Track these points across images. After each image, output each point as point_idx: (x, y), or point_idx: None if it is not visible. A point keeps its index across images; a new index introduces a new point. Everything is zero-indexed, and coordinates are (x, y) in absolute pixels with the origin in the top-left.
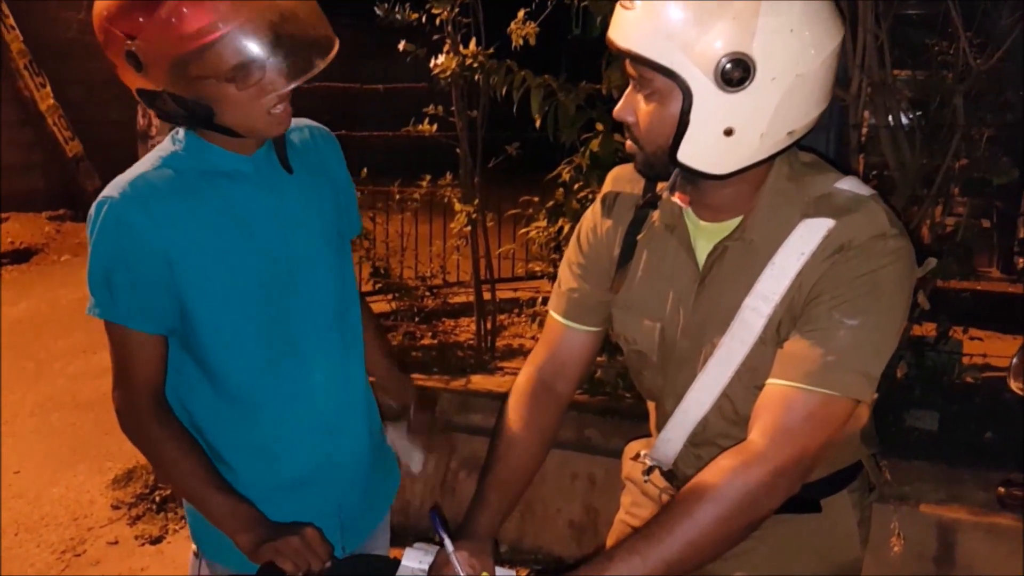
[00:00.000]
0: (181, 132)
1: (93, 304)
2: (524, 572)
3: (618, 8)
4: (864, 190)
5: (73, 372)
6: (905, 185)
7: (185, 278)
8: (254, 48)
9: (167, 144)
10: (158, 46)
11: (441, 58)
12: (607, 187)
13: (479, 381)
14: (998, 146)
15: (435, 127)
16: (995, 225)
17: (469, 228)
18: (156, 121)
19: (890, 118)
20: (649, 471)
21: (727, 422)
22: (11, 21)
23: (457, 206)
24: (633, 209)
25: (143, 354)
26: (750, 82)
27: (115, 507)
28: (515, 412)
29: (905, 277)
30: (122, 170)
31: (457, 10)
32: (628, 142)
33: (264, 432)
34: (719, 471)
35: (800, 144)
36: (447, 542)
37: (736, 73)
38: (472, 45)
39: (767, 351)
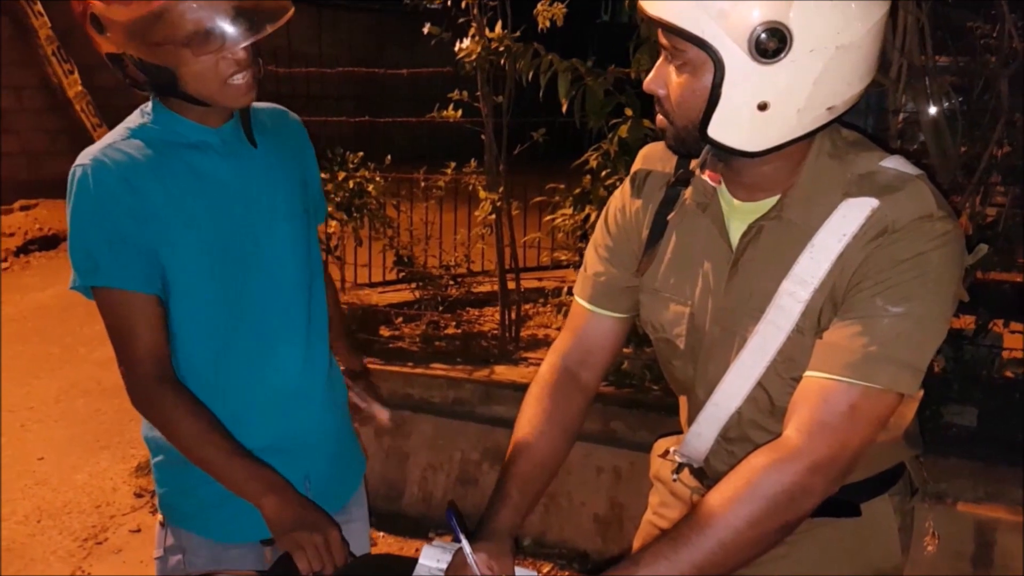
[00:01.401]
0: (150, 105)
1: (75, 277)
2: (547, 567)
3: None
4: (911, 169)
5: (99, 358)
6: (945, 173)
7: (155, 237)
8: (208, 13)
9: (135, 116)
10: (115, 9)
11: (466, 42)
12: (637, 165)
13: (503, 372)
14: None
15: (460, 112)
16: None
17: (493, 216)
18: None
19: (931, 104)
20: (679, 470)
21: (763, 415)
22: (39, 7)
23: (482, 194)
24: (664, 188)
25: (136, 317)
26: (786, 53)
27: (138, 495)
28: (538, 403)
29: (954, 262)
30: None
31: None
32: (659, 117)
33: (226, 401)
34: (752, 469)
35: (844, 122)
36: (464, 542)
37: (771, 44)
38: (498, 28)
39: (805, 340)
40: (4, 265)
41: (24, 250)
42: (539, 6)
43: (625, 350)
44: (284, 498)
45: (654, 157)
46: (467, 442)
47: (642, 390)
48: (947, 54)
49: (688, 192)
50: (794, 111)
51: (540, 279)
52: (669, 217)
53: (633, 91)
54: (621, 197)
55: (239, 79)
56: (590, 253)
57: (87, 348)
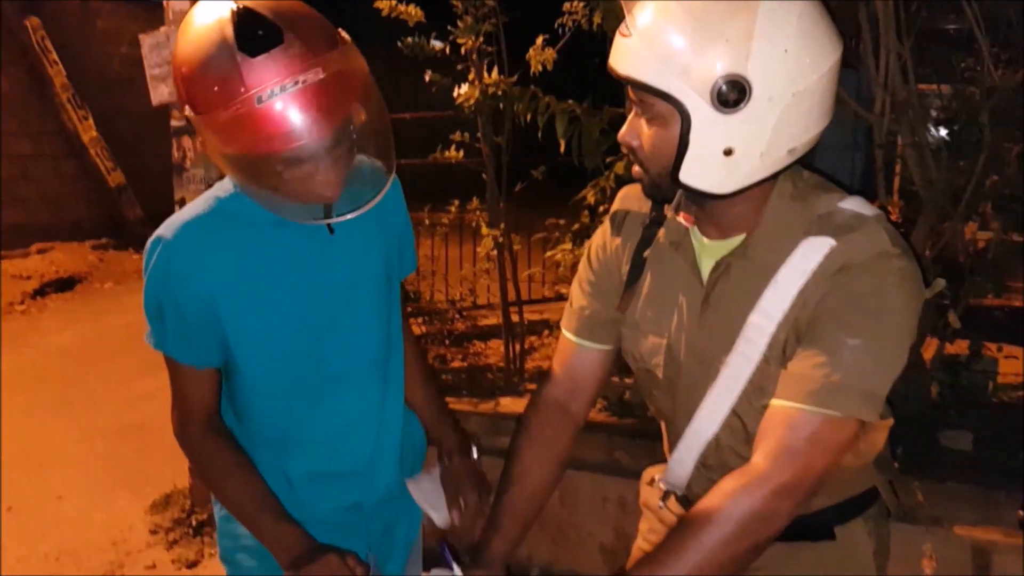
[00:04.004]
0: None
1: (149, 333)
2: None
3: (617, 36)
4: (868, 210)
5: (116, 398)
6: (933, 203)
7: (228, 320)
8: (296, 168)
9: (226, 183)
10: (215, 135)
11: (464, 87)
12: (616, 206)
13: (508, 404)
14: None
15: (461, 153)
16: None
17: (496, 251)
18: (191, 154)
19: (915, 136)
20: (665, 497)
21: (738, 442)
22: (54, 56)
23: (484, 230)
24: (641, 228)
25: (193, 384)
26: (746, 103)
27: (153, 532)
28: (529, 435)
29: (910, 297)
30: (164, 199)
31: (481, 39)
32: (635, 168)
33: (292, 475)
34: (722, 493)
35: (809, 166)
36: (457, 570)
37: (732, 95)
38: (495, 73)
39: (771, 370)
40: (21, 308)
41: (41, 292)
42: (531, 51)
43: (627, 380)
44: (299, 554)
45: (632, 198)
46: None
47: (644, 420)
48: (931, 84)
49: (662, 232)
50: (757, 155)
51: (543, 312)
52: (646, 255)
53: None
54: (602, 235)
55: (325, 183)
56: (575, 288)
57: (105, 389)
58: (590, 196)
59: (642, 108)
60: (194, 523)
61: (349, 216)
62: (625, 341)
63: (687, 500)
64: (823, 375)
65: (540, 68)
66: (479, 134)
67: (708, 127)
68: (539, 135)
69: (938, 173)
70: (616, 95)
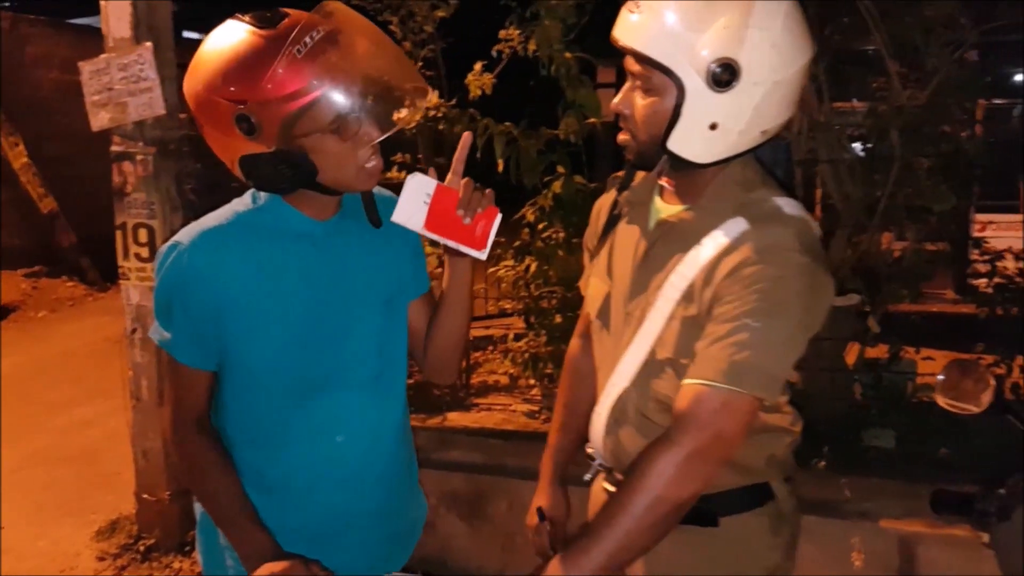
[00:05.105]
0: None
1: (155, 329)
2: None
3: (623, 11)
4: (795, 211)
5: (56, 426)
6: (850, 215)
7: (229, 325)
8: (354, 100)
9: (246, 199)
10: (268, 107)
11: (403, 112)
12: (619, 173)
13: (455, 418)
14: (938, 175)
15: (404, 174)
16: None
17: (440, 270)
18: (132, 179)
19: (830, 153)
20: (592, 472)
21: (644, 400)
22: None
23: (427, 248)
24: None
25: (188, 384)
26: (735, 84)
27: (100, 559)
28: (569, 367)
29: (807, 292)
30: (98, 225)
31: (420, 64)
32: (622, 134)
33: (271, 479)
34: (643, 462)
35: (764, 165)
36: None
37: (724, 75)
38: (435, 97)
39: (675, 327)
40: None
41: None
42: (470, 76)
43: None
44: (266, 559)
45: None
46: (423, 488)
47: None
48: (847, 103)
49: (627, 194)
50: (736, 132)
51: (488, 327)
52: (616, 211)
53: (563, 150)
54: (603, 197)
55: (372, 163)
56: (587, 249)
57: (44, 417)
58: (529, 214)
59: (640, 79)
60: (142, 548)
61: (396, 128)
62: (586, 287)
63: (610, 472)
64: (728, 355)
65: (479, 92)
66: (419, 155)
67: (699, 102)
68: (478, 156)
69: (854, 187)
70: (550, 117)
